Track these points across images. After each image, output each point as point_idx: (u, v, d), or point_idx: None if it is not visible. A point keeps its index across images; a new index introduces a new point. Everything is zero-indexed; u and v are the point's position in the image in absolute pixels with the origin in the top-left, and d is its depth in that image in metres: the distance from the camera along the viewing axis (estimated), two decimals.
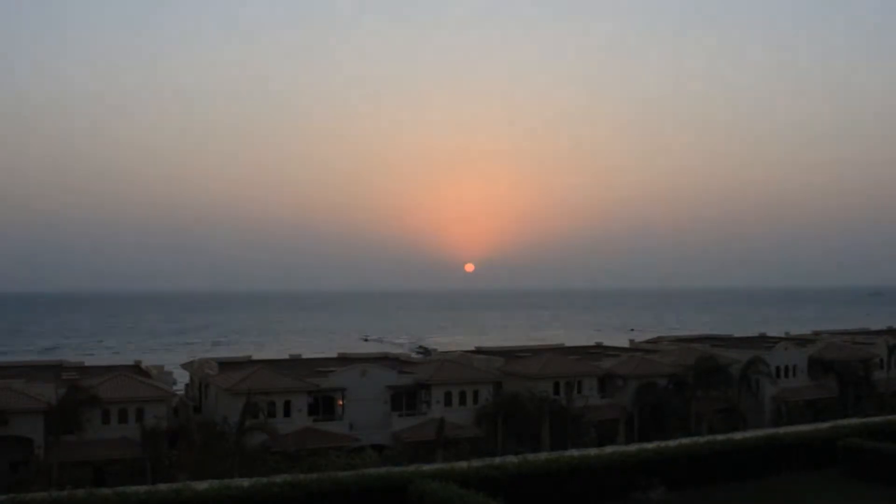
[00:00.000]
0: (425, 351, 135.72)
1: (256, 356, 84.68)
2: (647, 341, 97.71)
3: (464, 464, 33.31)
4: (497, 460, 34.52)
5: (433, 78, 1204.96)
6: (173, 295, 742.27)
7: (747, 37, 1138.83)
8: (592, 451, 36.41)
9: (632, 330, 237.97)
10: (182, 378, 75.41)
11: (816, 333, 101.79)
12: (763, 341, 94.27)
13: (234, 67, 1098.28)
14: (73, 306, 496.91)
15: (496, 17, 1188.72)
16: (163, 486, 29.37)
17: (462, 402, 62.83)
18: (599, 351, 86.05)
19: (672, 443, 38.34)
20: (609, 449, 38.77)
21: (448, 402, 62.20)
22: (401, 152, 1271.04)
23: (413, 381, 63.14)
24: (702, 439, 39.14)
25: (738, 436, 40.50)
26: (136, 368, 67.08)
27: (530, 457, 35.73)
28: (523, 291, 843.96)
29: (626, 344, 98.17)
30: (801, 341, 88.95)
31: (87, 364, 73.84)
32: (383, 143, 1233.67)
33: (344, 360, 76.76)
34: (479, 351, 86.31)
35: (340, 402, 60.47)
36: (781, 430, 44.13)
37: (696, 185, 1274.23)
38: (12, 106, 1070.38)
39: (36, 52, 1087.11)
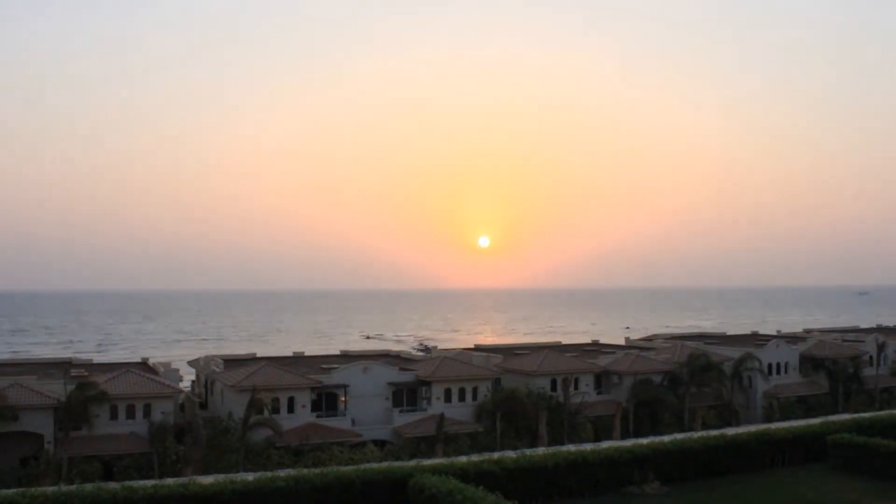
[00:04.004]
0: (425, 348, 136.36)
1: (260, 354, 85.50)
2: (643, 339, 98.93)
3: (463, 458, 34.29)
4: (496, 455, 35.38)
5: None
6: (178, 294, 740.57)
7: None
8: (588, 446, 37.37)
9: (627, 328, 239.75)
10: (188, 375, 76.25)
11: (807, 331, 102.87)
12: (755, 339, 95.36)
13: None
14: (74, 305, 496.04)
15: None
16: (169, 481, 30.29)
17: (461, 398, 63.64)
18: (596, 348, 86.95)
19: (666, 438, 39.21)
20: (605, 444, 39.82)
21: (448, 399, 62.99)
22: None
23: (414, 377, 63.99)
24: (695, 434, 40.22)
25: (730, 431, 41.54)
26: (144, 365, 67.50)
27: (528, 451, 36.71)
28: None
29: (621, 342, 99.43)
30: (792, 339, 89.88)
31: (95, 361, 74.59)
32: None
33: (346, 357, 77.56)
34: (478, 348, 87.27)
35: (343, 399, 61.29)
36: (773, 425, 44.96)
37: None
38: None
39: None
